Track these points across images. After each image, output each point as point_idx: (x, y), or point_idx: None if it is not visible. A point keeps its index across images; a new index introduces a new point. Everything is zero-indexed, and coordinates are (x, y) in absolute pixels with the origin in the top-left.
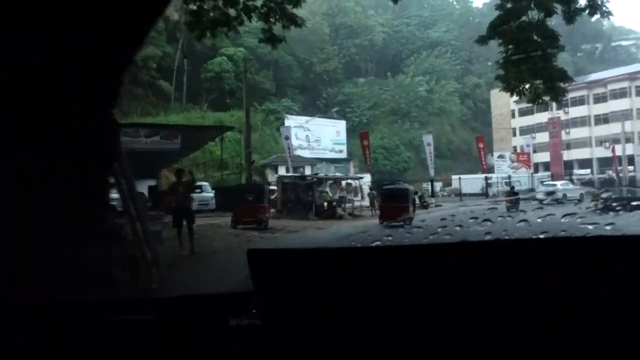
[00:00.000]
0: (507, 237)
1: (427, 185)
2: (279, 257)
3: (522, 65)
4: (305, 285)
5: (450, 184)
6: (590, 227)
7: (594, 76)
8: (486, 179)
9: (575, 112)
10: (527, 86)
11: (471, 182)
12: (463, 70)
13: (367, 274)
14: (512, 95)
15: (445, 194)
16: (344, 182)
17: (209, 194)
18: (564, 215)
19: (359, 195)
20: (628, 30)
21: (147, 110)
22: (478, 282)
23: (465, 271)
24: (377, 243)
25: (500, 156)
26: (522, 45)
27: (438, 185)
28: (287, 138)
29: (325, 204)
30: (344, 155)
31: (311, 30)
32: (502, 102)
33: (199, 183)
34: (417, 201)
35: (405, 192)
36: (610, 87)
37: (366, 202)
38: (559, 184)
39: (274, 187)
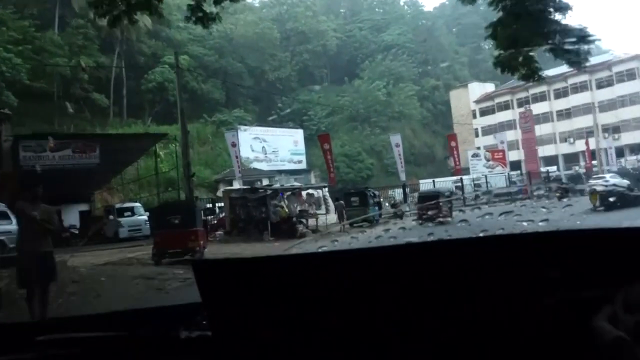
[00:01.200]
0: (449, 237)
1: (393, 193)
2: (224, 267)
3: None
4: (252, 294)
5: (418, 189)
6: (525, 224)
7: (553, 71)
8: (462, 180)
9: (537, 108)
10: (520, 59)
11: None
12: (420, 73)
13: (313, 279)
14: (502, 72)
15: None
16: (304, 193)
17: (142, 216)
18: (501, 214)
19: (323, 207)
20: (587, 34)
21: (82, 127)
22: (418, 281)
23: (405, 272)
24: (324, 248)
25: (475, 155)
26: None
27: (399, 191)
28: (234, 145)
29: (283, 220)
30: (303, 165)
31: (260, 35)
32: (462, 102)
33: (128, 205)
34: (389, 209)
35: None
36: (571, 81)
37: (332, 216)
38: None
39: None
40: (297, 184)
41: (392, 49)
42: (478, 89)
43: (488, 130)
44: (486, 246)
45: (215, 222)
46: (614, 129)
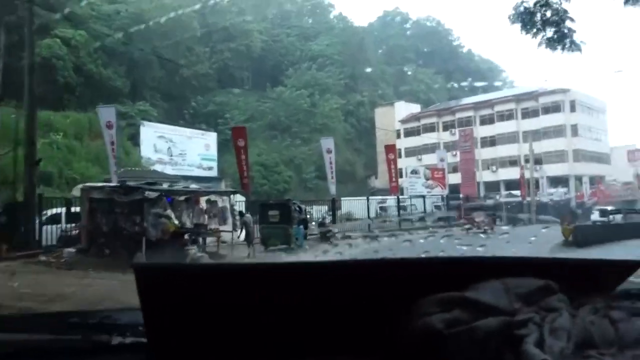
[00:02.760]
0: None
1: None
2: (166, 272)
3: None
4: (193, 303)
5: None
6: (464, 248)
7: (481, 97)
8: (398, 200)
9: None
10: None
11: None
12: (346, 87)
13: (254, 290)
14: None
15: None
16: (203, 200)
17: None
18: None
19: (230, 221)
20: (496, 66)
21: None
22: (354, 297)
23: (344, 287)
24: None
25: (414, 172)
26: None
27: (322, 209)
28: (110, 126)
29: (169, 237)
30: (214, 173)
31: (178, 23)
32: (387, 121)
33: None
34: (316, 228)
35: None
36: (497, 108)
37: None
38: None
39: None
40: (195, 186)
41: (319, 59)
42: (404, 108)
43: (412, 152)
44: (421, 267)
45: (76, 232)
46: (536, 161)
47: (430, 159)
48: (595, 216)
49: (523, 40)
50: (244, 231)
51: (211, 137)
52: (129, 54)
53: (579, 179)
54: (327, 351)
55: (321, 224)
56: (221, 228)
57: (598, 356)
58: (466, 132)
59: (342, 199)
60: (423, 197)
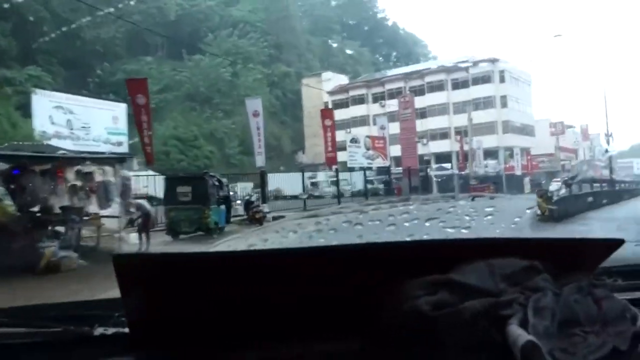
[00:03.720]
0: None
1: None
2: (146, 261)
3: None
4: (174, 292)
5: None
6: (451, 230)
7: (412, 67)
8: (337, 171)
9: (393, 106)
10: None
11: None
12: (271, 57)
13: (236, 277)
14: None
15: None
16: (73, 171)
17: None
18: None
19: (116, 200)
20: (419, 40)
21: None
22: (340, 282)
23: (328, 272)
24: (253, 246)
25: (354, 140)
26: None
27: (248, 186)
28: None
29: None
30: (124, 148)
31: None
32: (315, 93)
33: None
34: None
35: None
36: (428, 79)
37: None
38: None
39: None
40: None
41: (240, 25)
42: (332, 79)
43: (341, 125)
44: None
45: None
46: (466, 132)
47: (360, 132)
48: (553, 187)
49: (446, 14)
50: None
51: (120, 109)
52: (14, 8)
53: (508, 150)
54: (312, 337)
55: (248, 203)
56: (104, 213)
57: (582, 334)
58: (406, 99)
59: (269, 175)
60: (363, 169)
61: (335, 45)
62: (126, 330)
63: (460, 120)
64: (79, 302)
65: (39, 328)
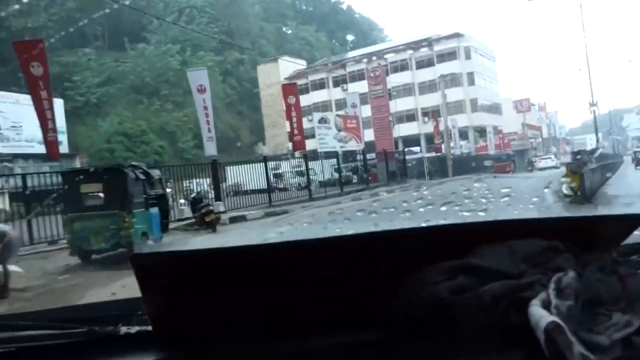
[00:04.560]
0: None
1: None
2: (164, 260)
3: None
4: (194, 289)
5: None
6: (467, 214)
7: (373, 48)
8: (306, 157)
9: (355, 87)
10: None
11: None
12: (223, 45)
13: (255, 270)
14: None
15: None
16: None
17: None
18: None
19: None
20: (375, 24)
21: None
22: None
23: (350, 262)
24: (272, 240)
25: (323, 120)
26: None
27: (204, 182)
28: None
29: None
30: (64, 148)
31: None
32: (272, 79)
33: None
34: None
35: None
36: (391, 59)
37: None
38: None
39: None
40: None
41: (186, 10)
42: (289, 65)
43: (302, 112)
44: (429, 235)
45: None
46: (433, 113)
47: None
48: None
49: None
50: None
51: (56, 105)
52: None
53: (478, 130)
54: (330, 327)
55: (196, 202)
56: None
57: (607, 313)
58: (377, 74)
59: (226, 168)
60: (337, 154)
61: (289, 31)
62: (149, 328)
63: (426, 100)
64: (98, 303)
65: (64, 330)
